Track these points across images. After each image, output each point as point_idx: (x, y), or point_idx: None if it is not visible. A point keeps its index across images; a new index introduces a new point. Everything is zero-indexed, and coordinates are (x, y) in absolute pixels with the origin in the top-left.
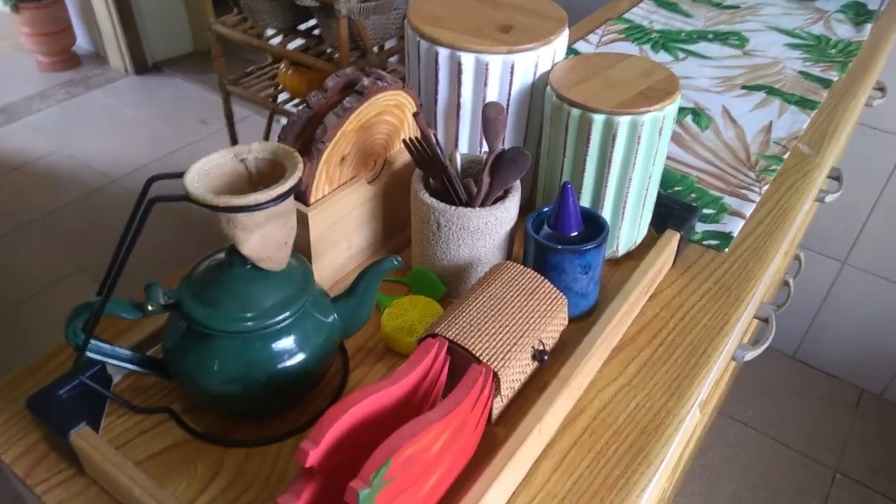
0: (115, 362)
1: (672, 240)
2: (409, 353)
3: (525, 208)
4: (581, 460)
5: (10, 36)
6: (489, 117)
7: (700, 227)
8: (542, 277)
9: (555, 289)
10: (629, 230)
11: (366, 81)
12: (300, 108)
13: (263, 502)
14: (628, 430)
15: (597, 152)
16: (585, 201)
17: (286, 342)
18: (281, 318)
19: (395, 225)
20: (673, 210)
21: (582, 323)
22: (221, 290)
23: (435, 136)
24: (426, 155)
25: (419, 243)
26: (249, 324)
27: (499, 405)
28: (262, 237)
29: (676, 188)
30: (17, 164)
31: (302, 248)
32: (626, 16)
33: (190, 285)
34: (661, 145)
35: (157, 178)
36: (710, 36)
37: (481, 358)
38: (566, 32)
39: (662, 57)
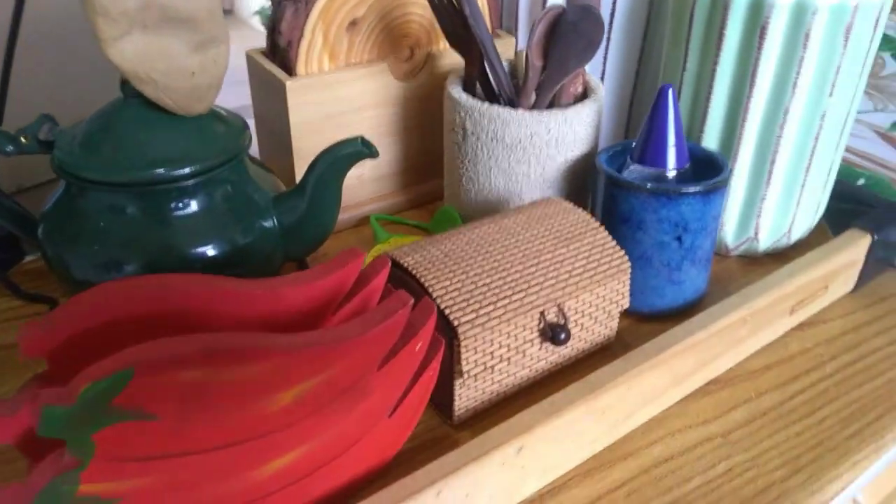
0: None
1: (857, 243)
2: None
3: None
4: None
5: None
6: None
7: None
8: (597, 223)
9: (614, 243)
10: (808, 205)
11: None
12: None
13: None
14: None
15: (779, 53)
16: (718, 142)
17: (184, 212)
18: (178, 173)
19: (433, 152)
20: (867, 211)
21: (665, 324)
22: (106, 130)
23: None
24: (454, 22)
25: (447, 167)
26: (131, 174)
27: (472, 398)
28: (145, 45)
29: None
30: None
31: (283, 134)
32: None
33: (77, 125)
34: (870, 54)
35: None
36: None
37: (438, 300)
38: None
39: None
